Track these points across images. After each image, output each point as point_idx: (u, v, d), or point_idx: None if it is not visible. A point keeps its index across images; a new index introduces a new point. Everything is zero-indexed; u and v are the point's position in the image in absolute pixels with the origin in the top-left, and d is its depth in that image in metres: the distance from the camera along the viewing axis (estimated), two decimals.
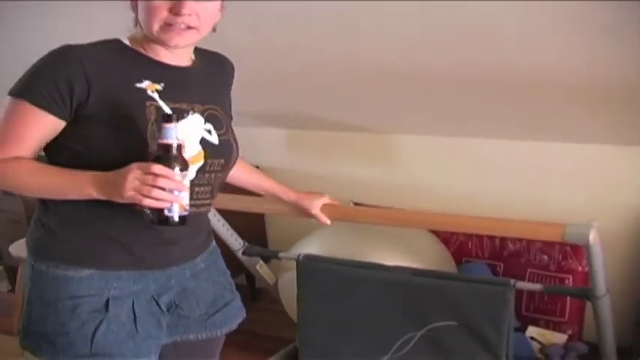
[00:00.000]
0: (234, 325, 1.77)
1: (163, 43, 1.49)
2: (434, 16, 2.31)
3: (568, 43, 2.28)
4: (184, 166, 1.39)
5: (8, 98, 1.46)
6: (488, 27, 2.29)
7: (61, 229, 1.53)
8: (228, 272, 1.82)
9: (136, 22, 1.51)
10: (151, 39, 1.50)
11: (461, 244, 3.03)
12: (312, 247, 2.70)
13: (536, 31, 2.26)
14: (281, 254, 2.59)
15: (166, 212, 1.37)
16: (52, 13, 2.85)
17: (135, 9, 1.50)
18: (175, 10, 1.43)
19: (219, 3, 1.52)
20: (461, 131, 3.08)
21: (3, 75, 2.28)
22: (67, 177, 1.45)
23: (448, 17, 2.29)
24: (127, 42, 1.53)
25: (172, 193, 1.35)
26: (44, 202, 1.54)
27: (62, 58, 1.44)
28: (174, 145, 1.37)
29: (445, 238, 3.01)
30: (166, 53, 1.52)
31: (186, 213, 1.40)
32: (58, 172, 1.46)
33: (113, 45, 1.52)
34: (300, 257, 2.45)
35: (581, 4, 2.02)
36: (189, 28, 1.46)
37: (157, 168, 1.33)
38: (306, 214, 2.12)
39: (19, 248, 3.20)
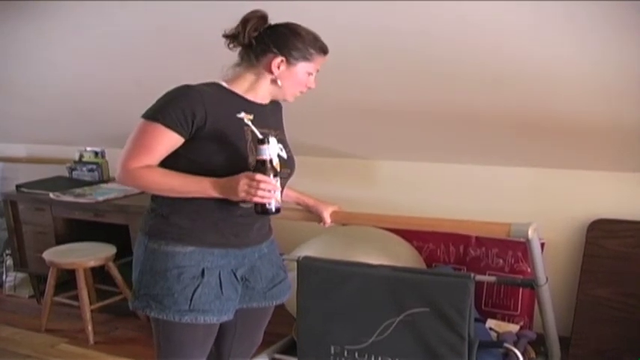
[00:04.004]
0: (284, 299, 2.12)
1: (284, 99, 1.97)
2: (406, 68, 2.55)
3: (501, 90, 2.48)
4: (275, 173, 1.77)
5: (141, 120, 1.80)
6: (449, 75, 2.51)
7: (173, 216, 1.87)
8: (282, 257, 2.18)
9: (275, 81, 1.90)
10: (254, 86, 1.91)
11: (431, 252, 3.21)
12: (308, 251, 2.92)
13: (494, 76, 2.43)
14: (284, 256, 2.56)
15: (267, 205, 1.76)
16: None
17: (280, 74, 1.88)
18: (309, 86, 1.95)
19: None
20: (428, 158, 3.30)
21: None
22: (191, 181, 1.79)
23: (416, 69, 2.52)
24: (223, 84, 1.90)
25: (270, 193, 1.74)
26: (157, 198, 1.89)
27: (188, 94, 1.79)
28: (268, 160, 1.76)
29: (418, 246, 3.21)
30: (254, 95, 1.92)
31: (280, 205, 1.79)
32: (184, 177, 1.80)
33: (216, 86, 1.88)
34: (300, 258, 2.67)
35: None
36: None
37: (259, 176, 1.72)
38: (318, 217, 2.39)
39: (51, 254, 3.46)
